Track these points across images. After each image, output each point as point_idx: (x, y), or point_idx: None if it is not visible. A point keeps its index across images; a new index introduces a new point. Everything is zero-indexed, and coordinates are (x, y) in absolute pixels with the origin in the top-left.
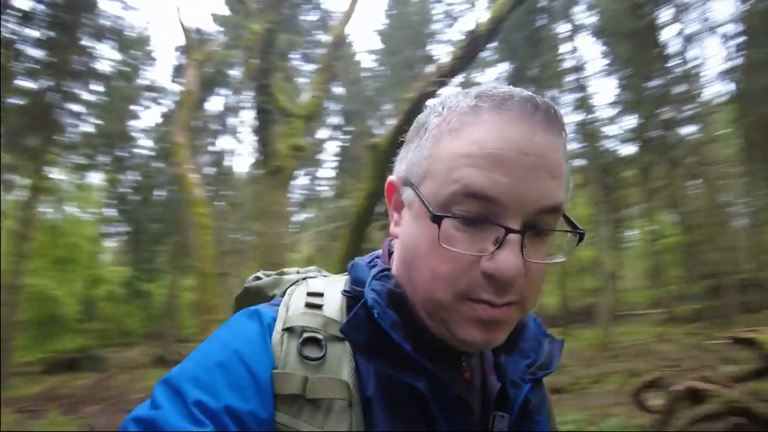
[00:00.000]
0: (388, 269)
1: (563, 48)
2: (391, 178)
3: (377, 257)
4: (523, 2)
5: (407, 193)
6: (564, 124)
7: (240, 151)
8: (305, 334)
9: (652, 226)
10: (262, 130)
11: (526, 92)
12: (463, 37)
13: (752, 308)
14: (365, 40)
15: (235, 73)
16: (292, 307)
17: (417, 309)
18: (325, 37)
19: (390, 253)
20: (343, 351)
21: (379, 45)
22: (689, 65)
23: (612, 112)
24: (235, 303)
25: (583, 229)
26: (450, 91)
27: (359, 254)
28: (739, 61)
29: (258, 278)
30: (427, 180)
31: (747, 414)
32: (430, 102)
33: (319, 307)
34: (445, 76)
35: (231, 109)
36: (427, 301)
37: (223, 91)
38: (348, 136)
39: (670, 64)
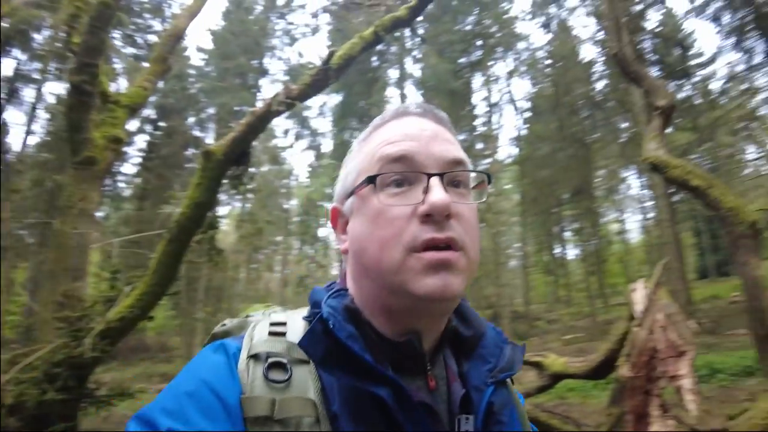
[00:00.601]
0: (344, 289)
1: (390, 91)
2: (332, 205)
3: (335, 282)
4: (375, 45)
5: (348, 203)
6: (450, 124)
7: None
8: (270, 359)
9: None
10: (75, 113)
11: (417, 104)
12: (313, 65)
13: (521, 335)
14: (195, 35)
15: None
16: (256, 337)
17: (377, 321)
18: (157, 23)
19: (344, 277)
20: (308, 372)
21: (210, 45)
22: (490, 127)
23: None
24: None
25: (488, 172)
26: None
27: (178, 268)
28: (524, 131)
29: (224, 325)
30: (358, 178)
31: (531, 421)
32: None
33: (282, 334)
34: (292, 98)
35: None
36: (382, 273)
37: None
38: (160, 132)
39: (475, 123)
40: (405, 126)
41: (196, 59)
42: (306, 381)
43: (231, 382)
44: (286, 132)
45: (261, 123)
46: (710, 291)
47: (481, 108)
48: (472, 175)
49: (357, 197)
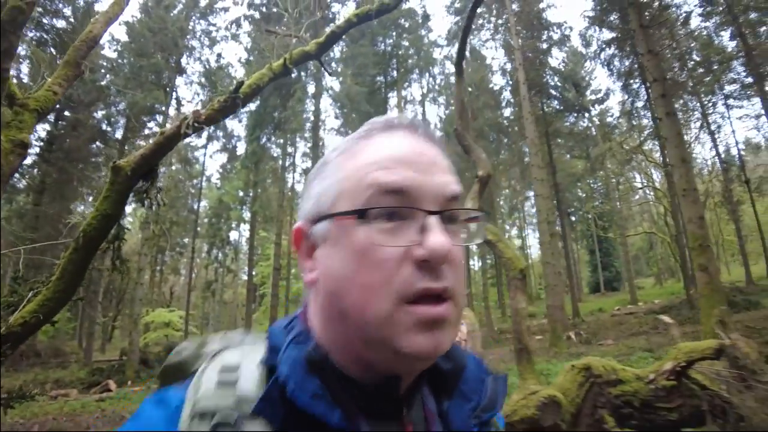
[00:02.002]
0: (306, 330)
1: (309, 104)
2: (298, 224)
3: (296, 317)
4: (283, 76)
5: (319, 227)
6: (443, 143)
7: None
8: (216, 418)
9: None
10: None
11: (407, 117)
12: (224, 91)
13: None
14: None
15: None
16: (202, 387)
17: (347, 366)
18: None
19: (306, 312)
20: (261, 429)
21: (124, 37)
22: None
23: None
24: (160, 380)
25: (485, 210)
26: None
27: (83, 275)
28: None
29: (179, 354)
30: (339, 201)
31: None
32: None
33: (232, 384)
34: (200, 123)
35: None
36: (364, 324)
37: None
38: (63, 123)
39: None
40: (398, 146)
41: (109, 50)
42: None
43: None
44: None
45: (169, 143)
46: (598, 305)
47: None
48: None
49: (335, 225)
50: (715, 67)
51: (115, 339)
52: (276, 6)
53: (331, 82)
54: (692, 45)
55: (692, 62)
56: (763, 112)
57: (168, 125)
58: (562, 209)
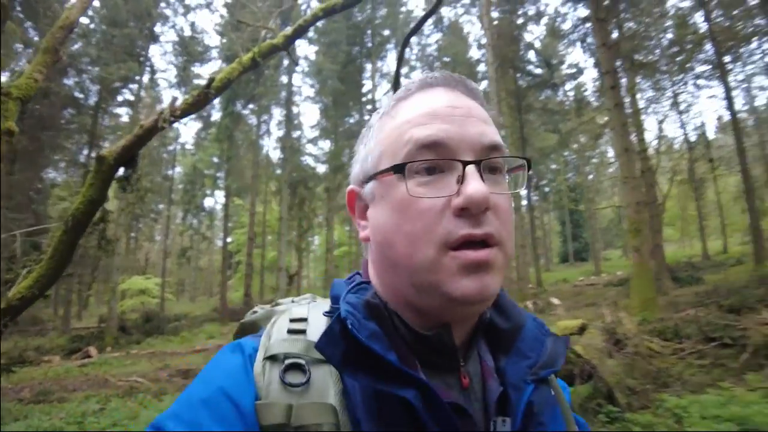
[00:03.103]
0: (366, 282)
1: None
2: (350, 188)
3: (358, 273)
4: (253, 69)
5: (368, 188)
6: (482, 96)
7: None
8: (287, 361)
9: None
10: None
11: (447, 72)
12: (196, 90)
13: None
14: None
15: None
16: (273, 335)
17: (403, 314)
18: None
19: (366, 267)
20: (329, 374)
21: (96, 2)
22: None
23: (313, 134)
24: (234, 339)
25: (528, 158)
26: None
27: (72, 254)
28: None
29: (255, 312)
30: (382, 160)
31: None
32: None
33: (302, 332)
34: (175, 117)
35: None
36: (413, 271)
37: None
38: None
39: (365, 110)
40: (434, 102)
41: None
42: (326, 384)
43: (247, 386)
44: (174, 100)
45: (148, 135)
46: (564, 275)
47: (378, 94)
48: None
49: (380, 183)
50: (689, 47)
51: (91, 306)
52: None
53: (304, 58)
54: (666, 25)
55: (666, 41)
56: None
57: (143, 94)
58: (530, 182)
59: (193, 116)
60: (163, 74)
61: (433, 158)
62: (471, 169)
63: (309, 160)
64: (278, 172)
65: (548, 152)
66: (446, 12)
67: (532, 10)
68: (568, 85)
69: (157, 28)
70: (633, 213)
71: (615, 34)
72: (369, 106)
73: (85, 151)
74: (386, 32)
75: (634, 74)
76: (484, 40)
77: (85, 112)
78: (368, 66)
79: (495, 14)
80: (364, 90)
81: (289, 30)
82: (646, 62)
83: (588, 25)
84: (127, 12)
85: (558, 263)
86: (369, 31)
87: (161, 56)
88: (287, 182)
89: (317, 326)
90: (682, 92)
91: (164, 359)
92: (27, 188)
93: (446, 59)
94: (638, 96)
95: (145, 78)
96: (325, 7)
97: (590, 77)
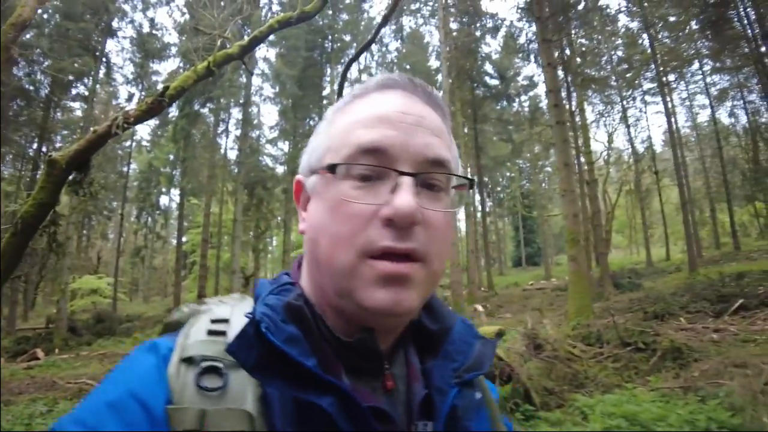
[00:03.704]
0: (291, 283)
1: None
2: (298, 177)
3: (286, 274)
4: (207, 77)
5: (311, 181)
6: (443, 104)
7: None
8: (204, 364)
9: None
10: None
11: (407, 76)
12: (150, 96)
13: None
14: None
15: None
16: (191, 336)
17: (329, 317)
18: None
19: (299, 271)
20: (248, 379)
21: None
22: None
23: (272, 134)
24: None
25: (471, 178)
26: None
27: (21, 257)
28: None
29: (180, 311)
30: (326, 156)
31: None
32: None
33: (222, 333)
34: (129, 123)
35: None
36: (332, 274)
37: None
38: None
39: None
40: (387, 105)
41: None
42: (244, 389)
43: (159, 389)
44: (130, 96)
45: (101, 140)
46: (516, 279)
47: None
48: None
49: (321, 178)
50: (636, 65)
51: (38, 306)
52: None
53: (263, 59)
54: (617, 43)
55: (616, 58)
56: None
57: (98, 89)
58: (483, 189)
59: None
60: (120, 70)
61: (370, 164)
62: (407, 180)
63: (268, 161)
64: (236, 171)
65: (502, 161)
66: (407, 21)
67: (489, 23)
68: (523, 97)
69: (115, 23)
70: (571, 224)
71: (567, 51)
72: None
73: (35, 146)
74: (347, 37)
75: (584, 89)
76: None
77: (35, 105)
78: (328, 70)
79: (454, 26)
80: (325, 93)
81: (245, 41)
82: (598, 78)
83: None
84: (83, 5)
85: (511, 267)
86: (330, 36)
87: (118, 52)
88: (243, 183)
89: (238, 328)
90: (630, 107)
91: (116, 361)
92: None
93: (407, 66)
94: (590, 110)
95: (101, 73)
96: (281, 20)
97: (544, 90)
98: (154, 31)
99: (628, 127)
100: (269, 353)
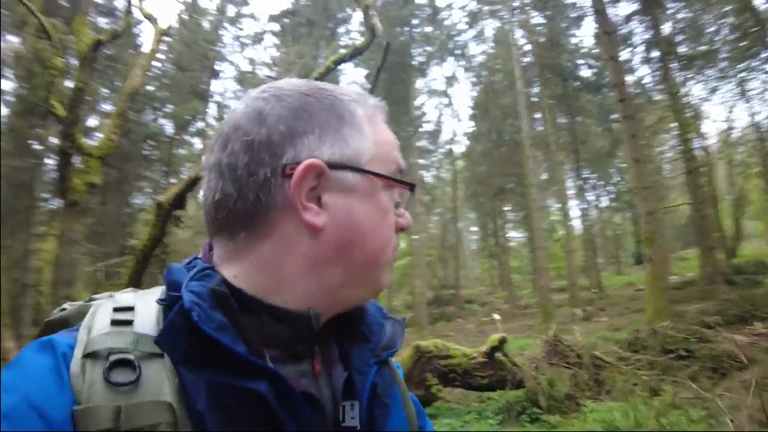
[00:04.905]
0: (210, 268)
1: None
2: (314, 161)
3: (197, 258)
4: None
5: (344, 176)
6: None
7: None
8: (112, 357)
9: None
10: (62, 169)
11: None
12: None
13: (446, 316)
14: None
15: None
16: (95, 328)
17: (268, 300)
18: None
19: (210, 255)
20: (162, 369)
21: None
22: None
23: None
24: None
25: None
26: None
27: (141, 278)
28: (472, 129)
29: (63, 309)
30: (373, 162)
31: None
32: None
33: (128, 323)
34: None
35: None
36: (372, 267)
37: None
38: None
39: (419, 123)
40: (389, 131)
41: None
42: (160, 380)
43: (59, 392)
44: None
45: (194, 183)
46: (633, 278)
47: (426, 107)
48: None
49: (369, 182)
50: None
51: None
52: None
53: (351, 83)
54: (724, 10)
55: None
56: None
57: (211, 123)
58: (582, 184)
59: None
60: (227, 106)
61: (409, 183)
62: (408, 198)
63: None
64: None
65: (605, 153)
66: (488, 23)
67: (574, 14)
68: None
69: (217, 66)
70: (646, 223)
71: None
72: (419, 117)
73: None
74: (430, 48)
75: (688, 69)
76: (526, 47)
77: (161, 143)
78: (417, 81)
79: (536, 20)
80: (417, 103)
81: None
82: (703, 52)
83: (631, 22)
84: (188, 57)
85: (632, 265)
86: (411, 50)
87: (220, 94)
88: None
89: (146, 316)
90: (751, 78)
91: None
92: (117, 214)
93: (497, 66)
94: (696, 89)
95: (212, 109)
96: (336, 59)
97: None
98: (253, 68)
99: (748, 102)
100: (198, 343)
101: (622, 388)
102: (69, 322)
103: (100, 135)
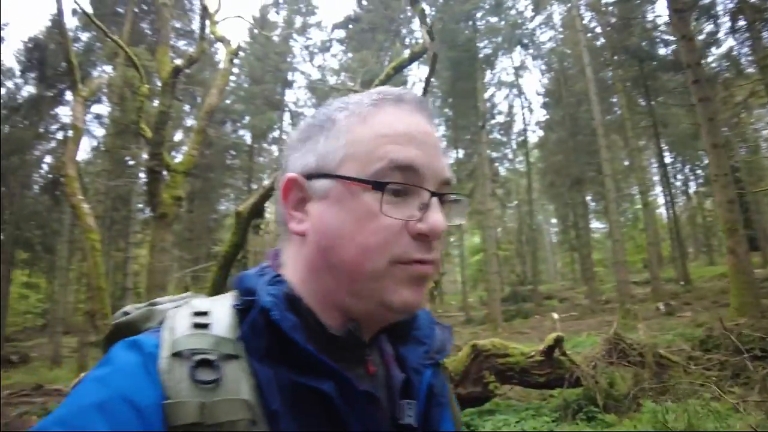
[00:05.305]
0: (280, 275)
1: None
2: (291, 175)
3: (266, 267)
4: None
5: (321, 184)
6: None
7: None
8: (196, 357)
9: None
10: (151, 185)
11: (413, 93)
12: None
13: (525, 313)
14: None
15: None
16: (177, 330)
17: (321, 313)
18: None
19: (277, 261)
20: (240, 369)
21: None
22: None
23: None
24: (104, 343)
25: (469, 196)
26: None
27: (225, 283)
28: (545, 119)
29: (127, 313)
30: (346, 164)
31: None
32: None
33: (206, 326)
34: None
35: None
36: (359, 279)
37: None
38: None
39: (489, 116)
40: (409, 123)
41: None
42: (238, 379)
43: (150, 386)
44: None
45: (269, 193)
46: (723, 269)
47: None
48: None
49: (341, 186)
50: None
51: None
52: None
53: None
54: None
55: None
56: None
57: (287, 131)
58: (666, 170)
59: None
60: (301, 114)
61: (407, 182)
62: (435, 200)
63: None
64: None
65: (689, 134)
66: (556, 8)
67: None
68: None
69: (289, 76)
70: (726, 212)
71: None
72: (490, 109)
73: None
74: (499, 39)
75: None
76: (597, 30)
77: (241, 152)
78: (485, 75)
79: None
80: (486, 95)
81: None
82: None
83: None
84: (261, 69)
85: (726, 254)
86: (477, 44)
87: (294, 102)
88: None
89: (222, 319)
90: None
91: None
92: (204, 220)
93: (567, 51)
94: None
95: (287, 118)
96: (396, 65)
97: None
98: (322, 76)
99: None
100: (276, 341)
101: (686, 389)
102: (135, 325)
103: (185, 148)
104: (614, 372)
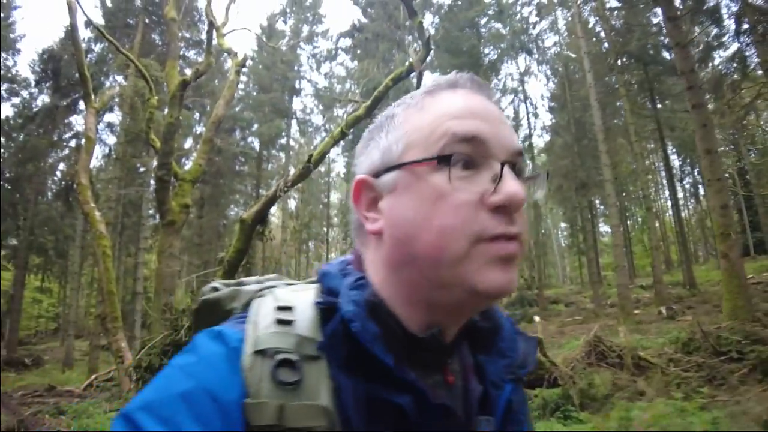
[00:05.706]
0: (363, 277)
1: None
2: (359, 177)
3: (348, 264)
4: (342, 139)
5: (388, 178)
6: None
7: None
8: (278, 356)
9: None
10: (160, 193)
11: (468, 75)
12: (301, 164)
13: (531, 317)
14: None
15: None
16: (261, 325)
17: (403, 313)
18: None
19: (360, 262)
20: (320, 372)
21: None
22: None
23: None
24: (194, 316)
25: (547, 171)
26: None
27: None
28: (551, 122)
29: (216, 289)
30: (409, 151)
31: None
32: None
33: (289, 323)
34: (288, 187)
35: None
36: (439, 265)
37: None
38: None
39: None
40: (467, 100)
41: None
42: (318, 383)
43: (233, 382)
44: (287, 173)
45: (272, 201)
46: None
47: (502, 105)
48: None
49: (407, 173)
50: None
51: None
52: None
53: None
54: None
55: None
56: None
57: (295, 137)
58: (672, 173)
59: (339, 153)
60: (309, 122)
61: (473, 152)
62: (507, 168)
63: None
64: None
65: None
66: (560, 14)
67: None
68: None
69: (297, 84)
70: (719, 217)
71: None
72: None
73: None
74: (503, 45)
75: None
76: (601, 35)
77: (250, 159)
78: (492, 80)
79: (611, 3)
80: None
81: (368, 102)
82: None
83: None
84: (268, 78)
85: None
86: (481, 50)
87: (301, 110)
88: None
89: (305, 317)
90: None
91: None
92: (214, 226)
93: (573, 55)
94: None
95: (294, 125)
96: (394, 77)
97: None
98: (330, 83)
99: None
100: (355, 351)
101: (660, 389)
102: (222, 303)
103: (195, 155)
104: (593, 373)
